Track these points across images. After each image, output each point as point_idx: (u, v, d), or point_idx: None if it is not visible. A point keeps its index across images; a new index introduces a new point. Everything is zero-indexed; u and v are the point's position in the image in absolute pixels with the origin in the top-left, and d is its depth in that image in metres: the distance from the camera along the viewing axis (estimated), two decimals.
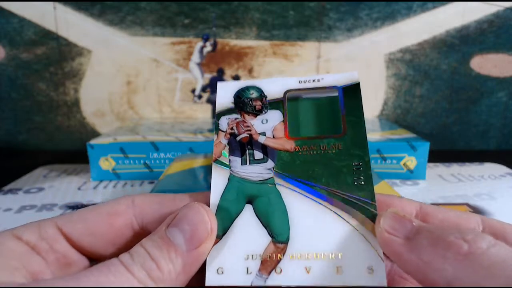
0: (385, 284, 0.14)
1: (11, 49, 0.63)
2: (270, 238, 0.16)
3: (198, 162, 0.39)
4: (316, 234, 0.15)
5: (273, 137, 0.18)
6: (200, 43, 0.64)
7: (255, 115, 0.18)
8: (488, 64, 0.65)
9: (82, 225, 0.16)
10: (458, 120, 0.68)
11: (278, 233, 0.16)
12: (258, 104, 0.18)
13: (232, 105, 0.18)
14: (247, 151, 0.17)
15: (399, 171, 0.49)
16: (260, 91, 0.18)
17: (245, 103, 0.18)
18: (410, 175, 0.49)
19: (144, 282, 0.13)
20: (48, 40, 0.63)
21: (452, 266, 0.12)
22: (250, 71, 0.66)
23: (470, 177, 0.51)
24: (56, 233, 0.16)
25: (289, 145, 0.17)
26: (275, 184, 0.17)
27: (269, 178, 0.17)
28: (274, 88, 0.18)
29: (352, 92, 0.18)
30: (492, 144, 0.69)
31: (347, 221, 0.15)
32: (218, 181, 0.17)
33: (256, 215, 0.16)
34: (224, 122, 0.18)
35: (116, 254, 0.17)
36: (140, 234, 0.17)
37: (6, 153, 0.66)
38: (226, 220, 0.16)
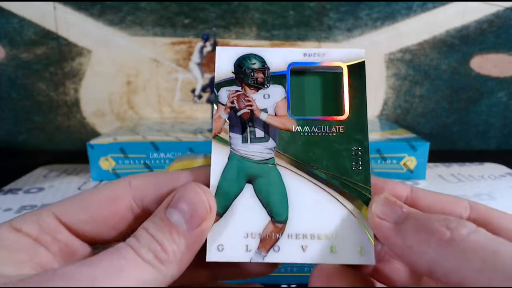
0: (373, 263, 0.16)
1: (11, 49, 0.63)
2: (269, 218, 0.16)
3: (198, 162, 0.39)
4: (313, 216, 0.16)
5: (275, 114, 0.17)
6: (200, 43, 0.64)
7: (257, 89, 0.17)
8: (488, 64, 0.65)
9: (83, 214, 0.16)
10: (458, 120, 0.68)
11: (277, 213, 0.16)
12: (260, 76, 0.17)
13: (233, 75, 0.17)
14: (248, 128, 0.17)
15: (399, 171, 0.49)
16: (262, 61, 0.17)
17: (247, 74, 0.17)
18: (410, 175, 0.49)
19: (152, 263, 0.14)
20: (48, 40, 0.63)
21: (434, 251, 0.13)
22: None
23: (470, 177, 0.51)
24: (56, 223, 0.16)
25: (291, 124, 0.17)
26: (275, 165, 0.17)
27: (270, 158, 0.17)
28: (277, 59, 0.17)
29: (358, 71, 0.18)
30: (492, 144, 0.69)
31: (343, 205, 0.16)
32: (218, 159, 0.16)
33: (256, 195, 0.16)
34: (224, 94, 0.17)
35: (118, 238, 0.17)
36: (140, 216, 0.17)
37: (6, 153, 0.66)
38: (226, 199, 0.16)
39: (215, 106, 0.16)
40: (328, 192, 0.16)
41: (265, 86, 0.17)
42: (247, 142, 0.17)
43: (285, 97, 0.17)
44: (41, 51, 0.63)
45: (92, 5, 0.61)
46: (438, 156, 0.58)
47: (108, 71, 0.65)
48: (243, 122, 0.17)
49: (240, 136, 0.17)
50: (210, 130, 0.56)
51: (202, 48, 0.64)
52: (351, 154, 0.17)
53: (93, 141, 0.49)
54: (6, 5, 0.61)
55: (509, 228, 0.15)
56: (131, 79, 0.65)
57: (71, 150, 0.67)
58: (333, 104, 0.18)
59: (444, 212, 0.16)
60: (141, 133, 0.54)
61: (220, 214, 0.16)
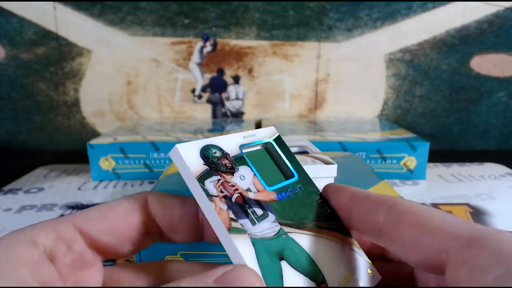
0: (380, 277, 0.18)
1: (11, 49, 0.63)
2: (314, 283, 0.16)
3: None
4: (333, 264, 0.17)
5: (257, 191, 0.18)
6: (200, 43, 0.64)
7: (232, 173, 0.18)
8: (488, 64, 0.65)
9: (102, 223, 0.16)
10: (458, 120, 0.68)
11: (316, 276, 0.16)
12: (226, 162, 0.18)
13: (207, 167, 0.17)
14: (248, 210, 0.17)
15: (399, 171, 0.49)
16: (220, 149, 0.18)
17: (216, 163, 0.17)
18: (410, 175, 0.49)
19: None
20: (48, 40, 0.63)
21: (383, 216, 0.16)
22: (250, 71, 0.66)
23: (470, 177, 0.51)
24: (74, 233, 0.16)
25: (273, 194, 0.18)
26: (287, 234, 0.17)
27: (280, 230, 0.17)
28: (228, 145, 0.19)
29: (280, 142, 0.21)
30: (492, 144, 0.69)
31: (341, 244, 0.18)
32: (247, 250, 0.16)
33: (293, 268, 0.16)
34: (210, 186, 0.17)
35: (129, 253, 0.17)
36: (151, 232, 0.17)
37: (6, 153, 0.66)
38: (279, 284, 0.16)
39: (208, 201, 0.16)
40: (328, 239, 0.18)
41: (236, 169, 0.18)
42: (256, 223, 0.17)
43: (254, 174, 0.18)
44: (41, 51, 0.63)
45: (92, 5, 0.61)
46: (438, 156, 0.58)
47: (108, 71, 0.65)
48: (241, 206, 0.17)
49: (247, 220, 0.17)
50: (210, 130, 0.56)
51: (202, 48, 0.64)
52: (317, 203, 0.19)
53: (93, 141, 0.49)
54: (6, 5, 0.61)
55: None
56: (131, 79, 0.65)
57: (71, 150, 0.67)
58: (285, 170, 0.20)
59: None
60: (141, 133, 0.54)
61: None
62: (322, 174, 0.30)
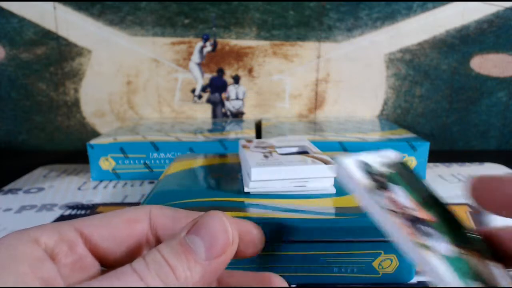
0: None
1: (11, 49, 0.63)
2: None
3: (198, 162, 0.39)
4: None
5: (416, 210, 0.17)
6: (200, 43, 0.64)
7: (387, 190, 0.17)
8: (488, 64, 0.65)
9: (105, 228, 0.16)
10: (458, 120, 0.68)
11: None
12: (383, 179, 0.17)
13: (371, 182, 0.16)
14: (422, 226, 0.16)
15: None
16: (375, 166, 0.17)
17: (378, 179, 0.17)
18: None
19: None
20: (48, 40, 0.63)
21: None
22: (250, 71, 0.66)
23: (470, 177, 0.51)
24: (75, 235, 0.16)
25: (428, 215, 0.17)
26: (465, 254, 0.16)
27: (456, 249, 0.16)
28: (373, 161, 0.18)
29: (406, 166, 0.19)
30: (492, 144, 0.69)
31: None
32: (438, 264, 0.14)
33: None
34: (382, 201, 0.15)
35: (129, 261, 0.17)
36: (151, 244, 0.17)
37: (6, 153, 0.66)
38: None
39: (388, 214, 0.15)
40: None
41: (388, 186, 0.17)
42: (433, 240, 0.15)
43: (409, 193, 0.17)
44: (41, 51, 0.63)
45: (92, 5, 0.61)
46: (438, 156, 0.58)
47: (108, 71, 0.65)
48: (412, 222, 0.16)
49: (425, 236, 0.15)
50: (210, 130, 0.56)
51: (202, 48, 0.64)
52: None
53: (93, 141, 0.49)
54: (6, 5, 0.61)
55: None
56: (131, 79, 0.65)
57: (71, 150, 0.67)
58: (424, 192, 0.18)
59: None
60: (141, 133, 0.54)
61: None
62: (322, 174, 0.30)
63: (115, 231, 0.16)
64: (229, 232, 0.15)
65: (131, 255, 0.17)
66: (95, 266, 0.16)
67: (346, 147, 0.48)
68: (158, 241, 0.17)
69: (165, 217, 0.17)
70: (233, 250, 0.15)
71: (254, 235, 0.18)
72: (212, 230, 0.15)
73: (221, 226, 0.15)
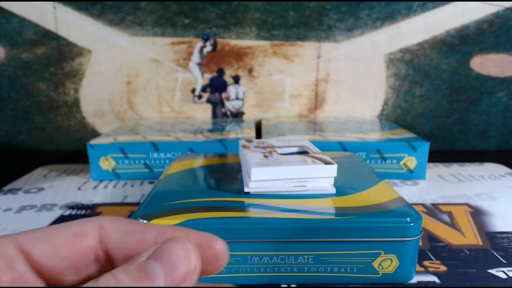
0: None
1: (11, 49, 0.63)
2: None
3: (198, 162, 0.39)
4: None
5: None
6: (200, 43, 0.64)
7: None
8: (488, 64, 0.65)
9: (46, 244, 0.15)
10: (458, 120, 0.68)
11: None
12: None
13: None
14: None
15: (399, 171, 0.49)
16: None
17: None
18: (410, 175, 0.49)
19: None
20: (48, 40, 0.63)
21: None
22: (250, 71, 0.66)
23: (470, 177, 0.51)
24: (14, 251, 0.15)
25: None
26: None
27: None
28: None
29: None
30: (492, 144, 0.69)
31: None
32: None
33: None
34: None
35: (75, 279, 0.16)
36: (100, 260, 0.16)
37: (6, 153, 0.66)
38: None
39: None
40: None
41: None
42: None
43: None
44: (41, 51, 0.63)
45: (92, 5, 0.61)
46: (438, 156, 0.58)
47: (108, 71, 0.65)
48: None
49: None
50: (210, 130, 0.56)
51: (202, 48, 0.64)
52: None
53: (93, 141, 0.49)
54: (6, 5, 0.61)
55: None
56: (131, 79, 0.65)
57: (71, 150, 0.67)
58: None
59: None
60: (141, 133, 0.54)
61: None
62: (322, 174, 0.30)
63: (58, 247, 0.15)
64: (192, 260, 0.14)
65: (78, 273, 0.16)
66: (38, 284, 0.15)
67: (346, 147, 0.48)
68: (109, 257, 0.16)
69: (117, 230, 0.16)
70: (195, 278, 0.14)
71: (217, 250, 0.17)
72: (174, 257, 0.14)
73: (184, 253, 0.14)
